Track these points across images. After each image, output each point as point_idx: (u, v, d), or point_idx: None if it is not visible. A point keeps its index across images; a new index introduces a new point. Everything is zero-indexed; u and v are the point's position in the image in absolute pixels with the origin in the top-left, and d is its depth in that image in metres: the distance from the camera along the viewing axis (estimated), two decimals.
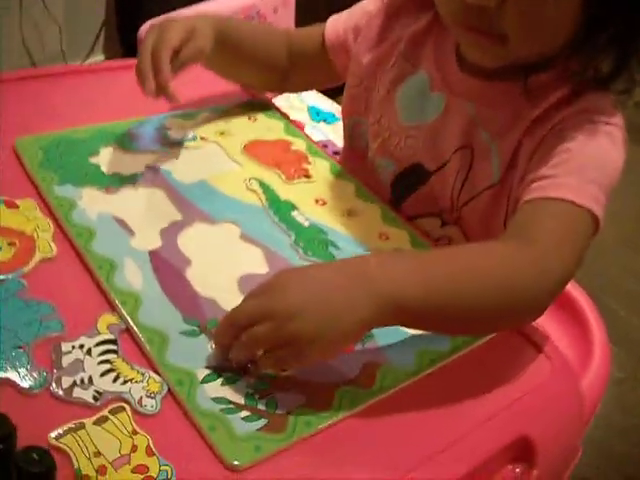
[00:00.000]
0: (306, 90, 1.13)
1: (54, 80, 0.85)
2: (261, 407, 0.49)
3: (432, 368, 0.55)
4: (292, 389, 0.51)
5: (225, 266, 0.61)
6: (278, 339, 0.48)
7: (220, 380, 0.51)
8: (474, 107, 0.67)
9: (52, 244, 0.60)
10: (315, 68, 0.84)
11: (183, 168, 0.72)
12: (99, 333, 0.53)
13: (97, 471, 0.43)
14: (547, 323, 0.61)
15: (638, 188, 1.55)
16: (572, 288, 0.86)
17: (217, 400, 0.49)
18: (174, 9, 1.04)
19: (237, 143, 0.77)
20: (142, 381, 0.50)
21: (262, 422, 0.48)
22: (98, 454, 0.44)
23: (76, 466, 0.43)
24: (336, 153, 0.87)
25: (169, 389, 0.50)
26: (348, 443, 0.49)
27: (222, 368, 0.51)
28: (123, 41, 2.00)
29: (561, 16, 0.58)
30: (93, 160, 0.70)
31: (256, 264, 0.62)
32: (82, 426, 0.46)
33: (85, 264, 0.59)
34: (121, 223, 0.63)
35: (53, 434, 0.45)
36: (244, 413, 0.49)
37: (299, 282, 0.50)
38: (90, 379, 0.49)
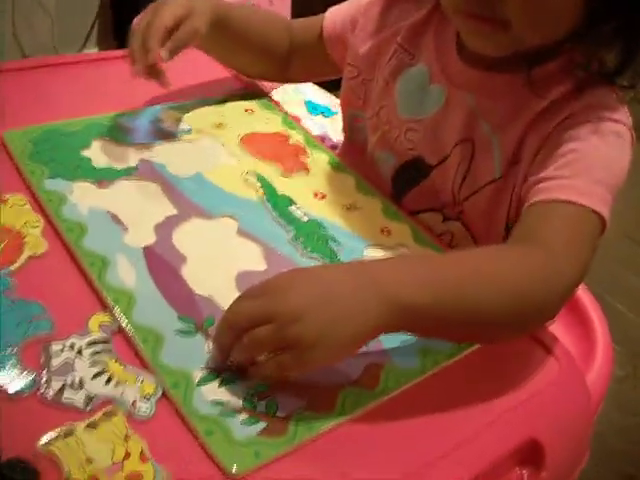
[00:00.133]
0: (305, 81, 1.13)
1: (45, 71, 0.83)
2: (260, 410, 0.48)
3: (436, 368, 0.54)
4: (293, 391, 0.49)
5: (222, 263, 0.59)
6: (280, 342, 0.46)
7: (217, 382, 0.49)
8: (474, 98, 0.66)
9: (42, 240, 0.58)
10: (314, 59, 0.83)
11: (178, 161, 0.70)
12: (90, 333, 0.51)
13: (89, 479, 0.42)
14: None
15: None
16: None
17: (214, 403, 0.48)
18: None
19: (234, 135, 0.76)
20: (136, 383, 0.48)
21: (262, 426, 0.47)
22: (89, 461, 0.43)
23: (66, 474, 0.42)
24: (333, 147, 0.86)
25: (164, 392, 0.48)
26: (351, 447, 0.48)
27: (220, 369, 0.50)
28: (117, 34, 1.98)
29: (564, 2, 0.57)
30: (85, 153, 0.69)
31: (254, 260, 0.60)
32: (73, 431, 0.44)
33: (76, 261, 0.57)
34: (114, 218, 0.62)
35: (42, 440, 0.43)
36: (243, 416, 0.47)
37: (303, 283, 0.48)
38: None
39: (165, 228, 0.61)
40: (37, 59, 0.92)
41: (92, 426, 0.45)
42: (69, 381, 0.47)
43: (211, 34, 0.73)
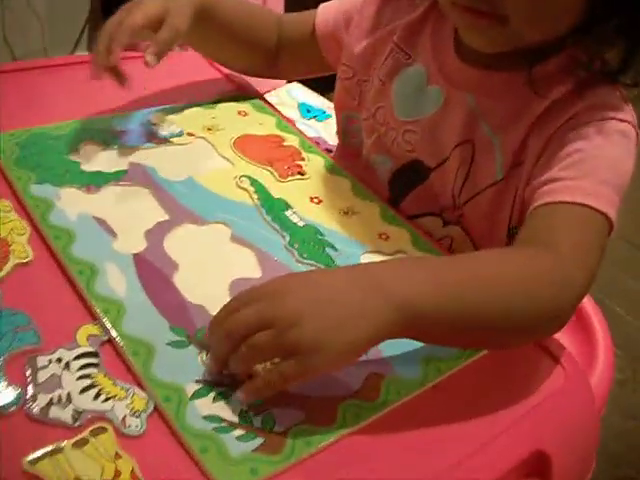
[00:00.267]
0: (294, 77, 1.11)
1: (35, 73, 0.82)
2: (257, 425, 0.46)
3: (440, 377, 0.52)
4: (290, 404, 0.47)
5: (215, 270, 0.58)
6: (280, 347, 0.45)
7: (211, 395, 0.47)
8: (474, 98, 0.65)
9: (28, 248, 0.57)
10: (304, 56, 0.82)
11: (169, 165, 0.69)
12: (78, 345, 0.49)
13: None
14: None
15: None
16: None
17: (208, 418, 0.46)
18: None
19: (226, 138, 0.74)
20: (126, 398, 0.46)
21: (258, 442, 0.45)
22: None
23: None
24: (328, 151, 0.85)
25: (156, 406, 0.46)
26: (351, 462, 0.46)
27: (214, 382, 0.48)
28: None
29: None
30: (73, 157, 0.67)
31: (248, 267, 0.59)
32: (60, 449, 0.43)
33: (64, 269, 0.55)
34: (103, 224, 0.60)
35: (28, 458, 0.42)
36: (238, 432, 0.45)
37: (300, 287, 0.47)
38: (68, 396, 0.46)
39: (156, 234, 0.60)
40: (26, 62, 0.91)
41: (80, 444, 0.43)
42: (56, 396, 0.46)
43: (195, 28, 0.71)
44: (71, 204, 0.61)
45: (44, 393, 0.45)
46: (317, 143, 0.78)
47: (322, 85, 0.90)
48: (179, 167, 0.69)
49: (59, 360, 0.48)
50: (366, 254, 0.63)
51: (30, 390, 0.46)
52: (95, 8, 1.98)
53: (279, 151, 0.74)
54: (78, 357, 0.48)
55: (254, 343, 0.45)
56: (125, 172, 0.67)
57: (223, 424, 0.46)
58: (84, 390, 0.46)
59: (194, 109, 0.78)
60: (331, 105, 0.85)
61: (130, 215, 0.62)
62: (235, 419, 0.46)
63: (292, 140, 0.77)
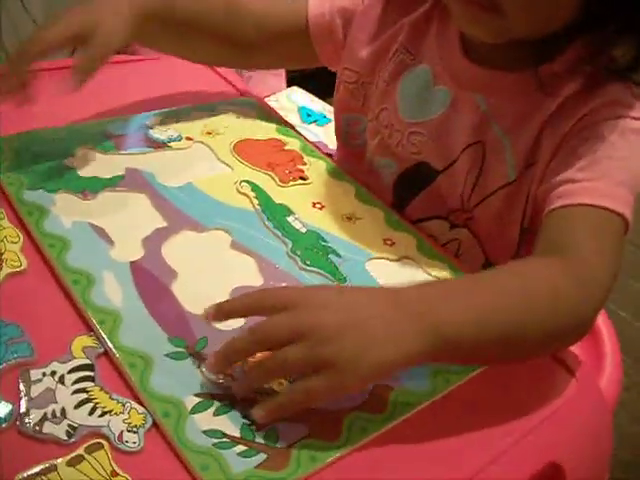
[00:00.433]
0: (274, 69, 1.08)
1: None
2: (260, 440, 0.44)
3: (448, 388, 0.51)
4: (294, 419, 0.46)
5: (215, 278, 0.57)
6: (310, 362, 0.43)
7: (212, 409, 0.46)
8: (484, 99, 0.64)
9: (21, 256, 0.55)
10: (292, 48, 0.78)
11: (167, 170, 0.68)
12: (73, 357, 0.48)
13: None
14: None
15: None
16: None
17: (209, 433, 0.44)
18: None
19: (226, 143, 0.73)
20: (123, 413, 0.45)
21: (261, 458, 0.44)
22: None
23: None
24: (329, 155, 0.84)
25: (154, 421, 0.45)
26: (357, 476, 0.45)
27: (215, 395, 0.46)
28: None
29: None
30: (68, 162, 0.66)
31: (249, 275, 0.58)
32: (54, 468, 0.41)
33: (58, 278, 0.54)
34: (99, 231, 0.59)
35: (19, 477, 0.40)
36: (240, 448, 0.44)
37: (336, 303, 0.46)
38: (63, 411, 0.44)
39: (154, 241, 0.59)
40: None
41: (75, 461, 0.42)
42: (50, 411, 0.44)
43: (147, 29, 0.68)
44: (66, 210, 0.60)
45: (37, 408, 0.44)
46: (318, 147, 0.77)
47: (322, 89, 0.89)
48: (177, 172, 0.68)
49: (53, 373, 0.46)
50: (371, 260, 0.62)
51: (23, 405, 0.44)
52: None
53: (280, 155, 0.74)
54: (73, 370, 0.47)
55: (283, 355, 0.44)
56: (122, 177, 0.66)
57: (224, 439, 0.44)
58: (79, 405, 0.45)
59: (192, 113, 0.77)
60: (332, 109, 0.84)
61: (127, 222, 0.61)
62: (237, 434, 0.45)
63: (293, 144, 0.76)
